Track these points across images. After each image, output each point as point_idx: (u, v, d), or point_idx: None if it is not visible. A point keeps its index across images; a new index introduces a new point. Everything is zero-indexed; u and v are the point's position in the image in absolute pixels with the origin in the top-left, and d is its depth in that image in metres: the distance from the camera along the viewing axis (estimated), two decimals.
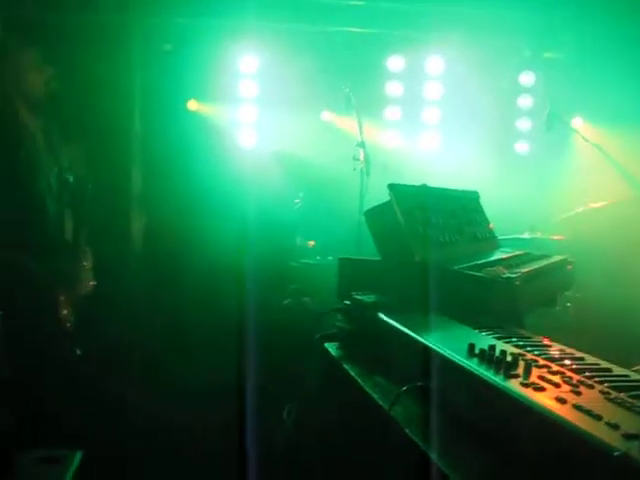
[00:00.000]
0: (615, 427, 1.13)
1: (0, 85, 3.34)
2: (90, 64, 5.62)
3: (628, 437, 1.09)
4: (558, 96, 6.84)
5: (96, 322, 3.70)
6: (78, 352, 3.42)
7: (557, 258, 3.03)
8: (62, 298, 3.36)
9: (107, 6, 6.19)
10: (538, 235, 5.74)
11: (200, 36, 6.72)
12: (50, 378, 3.17)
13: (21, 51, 3.49)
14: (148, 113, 6.50)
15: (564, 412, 1.20)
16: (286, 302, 5.85)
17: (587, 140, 5.77)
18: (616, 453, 1.02)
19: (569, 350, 1.78)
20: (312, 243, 6.38)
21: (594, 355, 1.74)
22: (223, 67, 6.88)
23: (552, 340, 1.90)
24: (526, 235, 5.75)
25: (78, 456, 1.91)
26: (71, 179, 3.54)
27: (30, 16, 6.03)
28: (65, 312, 3.37)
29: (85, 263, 3.58)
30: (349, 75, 6.56)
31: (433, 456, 1.44)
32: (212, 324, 5.38)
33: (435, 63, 7.35)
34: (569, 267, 3.03)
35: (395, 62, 7.30)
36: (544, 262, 2.84)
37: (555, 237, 5.71)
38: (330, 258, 5.83)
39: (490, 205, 3.37)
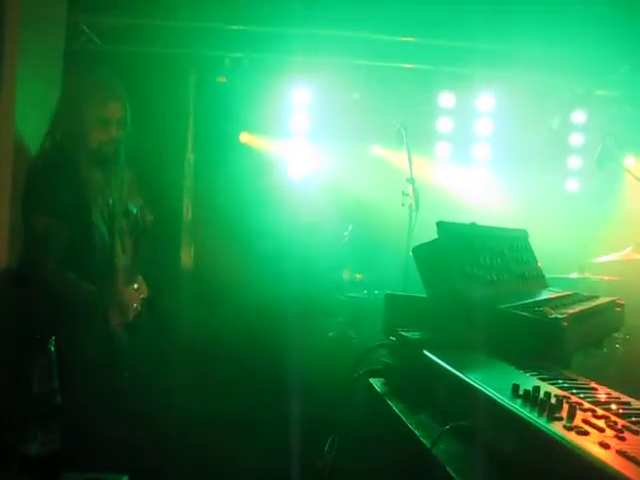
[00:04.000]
0: None
1: (64, 115, 3.47)
2: (145, 95, 5.75)
3: None
4: (610, 134, 6.80)
5: (142, 347, 3.75)
6: (127, 375, 3.48)
7: (606, 299, 3.00)
8: (113, 322, 3.43)
9: (164, 39, 6.34)
10: (586, 275, 5.70)
11: (253, 69, 6.83)
12: (99, 402, 3.22)
13: (81, 83, 3.62)
14: (201, 144, 6.62)
15: (607, 457, 1.20)
16: (331, 334, 5.87)
17: (638, 179, 5.71)
18: None
19: (615, 394, 1.77)
20: (359, 276, 6.39)
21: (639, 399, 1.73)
22: (275, 100, 6.98)
23: (598, 383, 1.89)
24: (575, 275, 5.71)
25: None
26: (134, 210, 3.64)
27: (88, 47, 6.22)
28: (114, 335, 3.44)
29: (136, 287, 3.65)
30: (400, 110, 6.62)
31: None
32: (257, 354, 5.41)
33: (486, 100, 7.36)
34: (618, 309, 3.00)
35: (446, 98, 7.33)
36: (592, 303, 2.81)
37: (604, 277, 5.66)
38: (376, 292, 5.83)
39: (539, 244, 3.36)
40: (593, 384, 1.86)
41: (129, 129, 3.67)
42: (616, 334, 4.98)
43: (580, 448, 1.25)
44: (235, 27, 6.44)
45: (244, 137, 6.98)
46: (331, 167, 7.03)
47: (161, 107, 5.87)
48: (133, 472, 2.05)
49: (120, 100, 3.65)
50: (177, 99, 6.38)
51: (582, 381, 1.88)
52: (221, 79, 6.90)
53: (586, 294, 3.13)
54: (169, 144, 6.02)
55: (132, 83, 5.61)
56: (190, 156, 6.63)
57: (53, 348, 1.83)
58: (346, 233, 6.45)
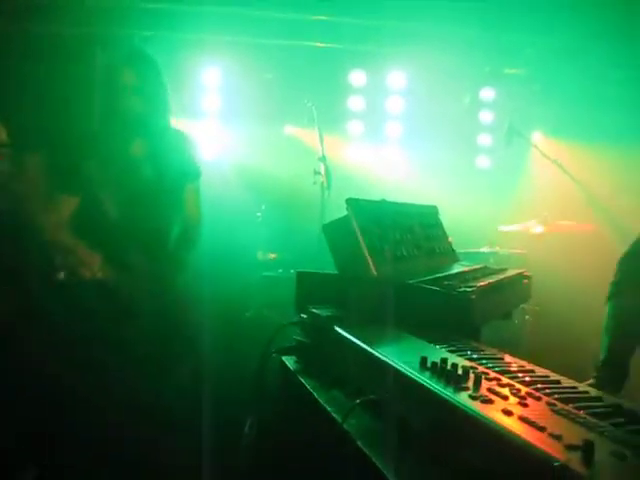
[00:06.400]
0: (558, 438, 1.16)
1: None
2: (50, 77, 5.61)
3: (570, 448, 1.12)
4: (518, 111, 6.94)
5: None
6: None
7: (513, 272, 3.06)
8: None
9: (68, 18, 6.17)
10: (497, 249, 5.83)
11: (164, 48, 6.71)
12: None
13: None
14: None
15: (509, 424, 1.22)
16: (247, 315, 5.86)
17: (545, 155, 5.87)
18: (556, 464, 1.05)
19: (521, 362, 1.81)
20: (273, 256, 6.39)
21: (551, 368, 1.77)
22: (185, 80, 6.89)
23: (506, 353, 1.92)
24: (485, 249, 5.83)
25: None
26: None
27: None
28: None
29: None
30: (312, 89, 6.60)
31: (385, 469, 1.46)
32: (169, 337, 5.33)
33: (397, 78, 7.43)
34: (525, 281, 3.07)
35: (357, 77, 7.37)
36: (500, 276, 2.86)
37: (514, 251, 5.80)
38: (292, 271, 5.83)
39: (450, 219, 3.40)
40: (500, 354, 1.90)
41: (150, 98, 3.58)
42: (525, 305, 5.12)
43: (484, 416, 1.26)
44: (145, 5, 6.33)
45: None
46: (243, 147, 6.98)
47: (66, 89, 5.72)
48: None
49: (133, 66, 3.55)
50: (83, 81, 6.22)
51: (490, 351, 1.92)
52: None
53: (495, 267, 3.19)
54: (76, 127, 5.87)
55: (35, 66, 5.48)
56: None
57: None
58: (259, 213, 6.43)
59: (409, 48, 6.91)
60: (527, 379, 1.59)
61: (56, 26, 6.23)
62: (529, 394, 1.44)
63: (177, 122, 6.81)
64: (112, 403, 3.31)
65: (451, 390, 1.42)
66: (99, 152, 3.55)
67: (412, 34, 6.65)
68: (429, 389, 1.45)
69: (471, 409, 1.30)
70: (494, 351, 1.94)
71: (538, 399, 1.41)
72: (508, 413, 1.28)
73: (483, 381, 1.50)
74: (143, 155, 3.67)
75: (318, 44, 6.95)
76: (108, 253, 3.46)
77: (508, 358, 1.86)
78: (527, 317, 5.40)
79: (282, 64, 7.03)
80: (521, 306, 5.01)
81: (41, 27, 6.22)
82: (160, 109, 3.69)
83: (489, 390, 1.44)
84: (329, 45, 6.98)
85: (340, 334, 2.02)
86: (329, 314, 2.26)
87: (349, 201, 2.55)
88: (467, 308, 2.14)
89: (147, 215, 3.60)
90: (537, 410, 1.33)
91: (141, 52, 3.69)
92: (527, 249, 5.84)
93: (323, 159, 5.13)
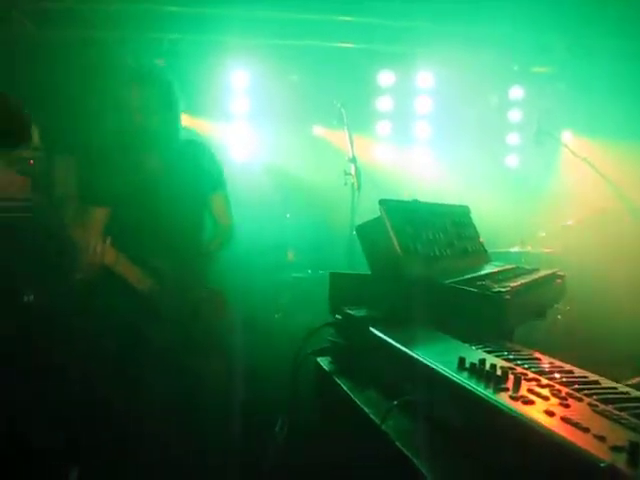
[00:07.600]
0: (602, 439, 1.15)
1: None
2: (83, 79, 5.65)
3: (614, 449, 1.11)
4: (547, 110, 6.89)
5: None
6: None
7: (547, 272, 3.04)
8: None
9: (100, 22, 6.22)
10: (528, 248, 5.79)
11: (192, 52, 6.75)
12: None
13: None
14: None
15: (552, 425, 1.22)
16: (277, 316, 5.86)
17: (575, 154, 5.82)
18: (602, 465, 1.04)
19: (558, 363, 1.80)
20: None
21: (583, 367, 1.76)
22: (215, 82, 6.93)
23: (542, 353, 1.91)
24: (516, 248, 5.79)
25: None
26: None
27: (23, 33, 6.07)
28: None
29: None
30: (340, 90, 6.59)
31: (424, 469, 1.46)
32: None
33: (425, 78, 7.41)
34: (559, 281, 3.05)
35: (386, 77, 7.37)
36: (534, 276, 2.85)
37: (545, 250, 5.76)
38: (321, 272, 5.83)
39: (481, 219, 3.39)
40: (537, 354, 1.89)
41: (156, 115, 3.71)
42: (557, 305, 5.08)
43: (526, 417, 1.26)
44: (172, 8, 6.37)
45: (184, 119, 6.89)
46: (273, 149, 7.00)
47: (98, 91, 5.76)
48: None
49: (141, 85, 3.68)
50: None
51: (526, 352, 1.91)
52: (159, 61, 6.80)
53: (527, 267, 3.17)
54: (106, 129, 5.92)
55: (67, 68, 5.53)
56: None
57: None
58: (288, 214, 6.44)
59: (438, 48, 6.87)
60: (566, 379, 1.58)
61: (85, 31, 6.28)
62: (569, 395, 1.43)
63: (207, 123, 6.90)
64: (126, 395, 3.37)
65: (491, 391, 1.42)
66: (117, 165, 3.68)
67: (440, 34, 6.62)
68: (469, 390, 1.44)
69: (513, 410, 1.30)
70: (530, 351, 1.93)
71: (579, 400, 1.41)
72: (550, 414, 1.28)
73: (523, 382, 1.49)
74: (159, 167, 3.80)
75: (347, 45, 6.95)
76: (135, 258, 3.56)
77: (545, 359, 1.84)
78: (559, 317, 5.36)
79: (310, 65, 7.04)
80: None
81: (71, 31, 6.27)
82: (170, 124, 3.83)
83: (529, 391, 1.43)
84: (357, 46, 6.98)
85: (375, 335, 2.03)
86: (364, 315, 2.26)
87: (382, 202, 2.55)
88: (502, 309, 2.13)
89: (170, 224, 3.70)
90: (579, 411, 1.32)
91: (145, 73, 3.82)
92: (557, 248, 5.80)
93: (353, 160, 5.11)
